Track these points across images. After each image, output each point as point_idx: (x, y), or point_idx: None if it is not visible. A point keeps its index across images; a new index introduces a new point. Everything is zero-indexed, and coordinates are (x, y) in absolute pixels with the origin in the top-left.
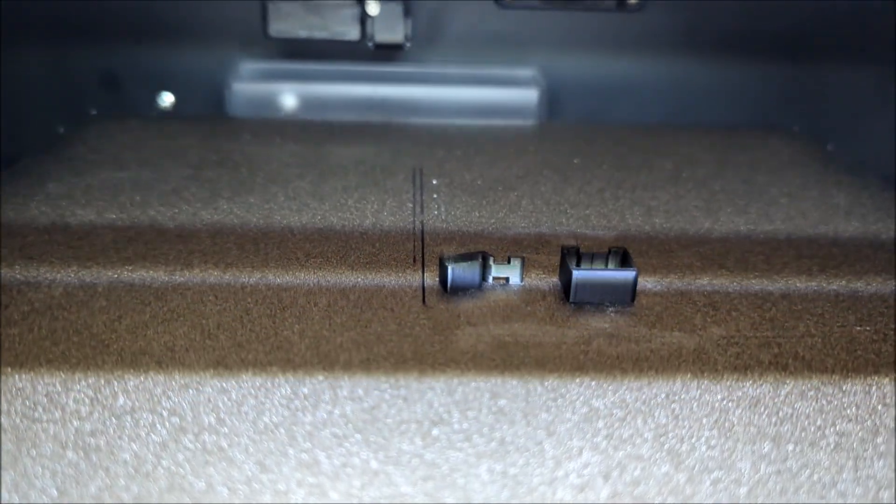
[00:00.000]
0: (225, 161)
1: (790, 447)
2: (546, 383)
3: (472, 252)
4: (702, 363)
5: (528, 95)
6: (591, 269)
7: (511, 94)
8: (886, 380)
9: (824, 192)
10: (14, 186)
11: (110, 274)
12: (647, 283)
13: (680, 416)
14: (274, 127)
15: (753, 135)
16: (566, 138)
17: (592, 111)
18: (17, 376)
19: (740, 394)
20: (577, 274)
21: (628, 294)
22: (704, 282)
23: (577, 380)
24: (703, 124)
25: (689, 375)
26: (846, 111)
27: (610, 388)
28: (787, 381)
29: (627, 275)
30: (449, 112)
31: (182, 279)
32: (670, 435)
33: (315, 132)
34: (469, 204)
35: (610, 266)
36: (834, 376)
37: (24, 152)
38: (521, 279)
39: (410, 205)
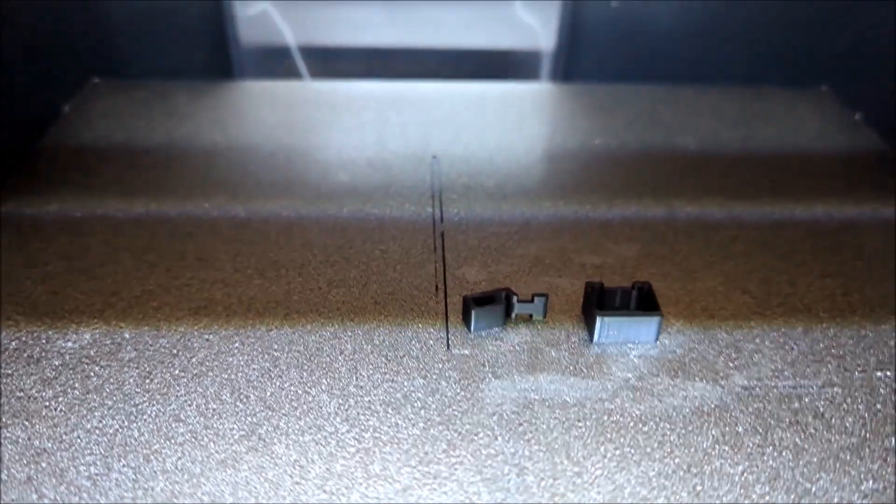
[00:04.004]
0: (234, 152)
1: None
2: (571, 455)
3: (496, 291)
4: (724, 424)
5: None
6: (616, 312)
7: None
8: None
9: (850, 184)
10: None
11: (135, 312)
12: (670, 315)
13: (701, 494)
14: (279, 98)
15: (781, 99)
16: (583, 109)
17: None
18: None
19: (760, 464)
20: (602, 318)
21: (652, 336)
22: (727, 312)
23: (602, 449)
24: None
25: (710, 441)
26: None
27: (633, 459)
28: (806, 448)
29: (651, 320)
30: None
31: (207, 320)
32: None
33: (321, 104)
34: (487, 208)
35: (634, 304)
36: (852, 439)
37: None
38: (545, 316)
39: (430, 209)
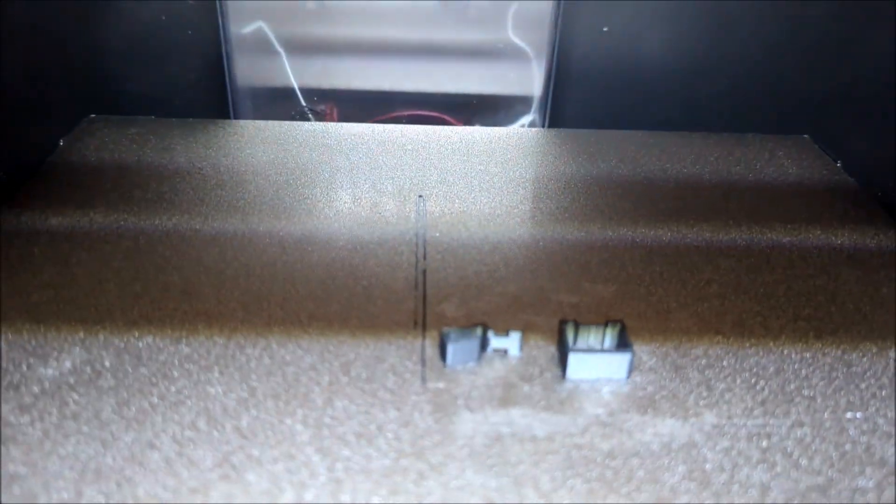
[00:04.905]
0: (225, 188)
1: None
2: (539, 488)
3: (471, 326)
4: (691, 461)
5: None
6: (588, 349)
7: None
8: (871, 482)
9: (826, 230)
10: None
11: (117, 341)
12: (643, 354)
13: None
14: (272, 137)
15: (763, 146)
16: (568, 153)
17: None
18: None
19: (726, 501)
20: (574, 354)
21: (624, 372)
22: (699, 351)
23: (569, 483)
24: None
25: (678, 477)
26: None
27: (600, 494)
28: (773, 486)
29: (623, 356)
30: None
31: (188, 350)
32: None
33: (313, 144)
34: (469, 247)
35: (607, 341)
36: (819, 479)
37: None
38: (520, 351)
39: (413, 247)
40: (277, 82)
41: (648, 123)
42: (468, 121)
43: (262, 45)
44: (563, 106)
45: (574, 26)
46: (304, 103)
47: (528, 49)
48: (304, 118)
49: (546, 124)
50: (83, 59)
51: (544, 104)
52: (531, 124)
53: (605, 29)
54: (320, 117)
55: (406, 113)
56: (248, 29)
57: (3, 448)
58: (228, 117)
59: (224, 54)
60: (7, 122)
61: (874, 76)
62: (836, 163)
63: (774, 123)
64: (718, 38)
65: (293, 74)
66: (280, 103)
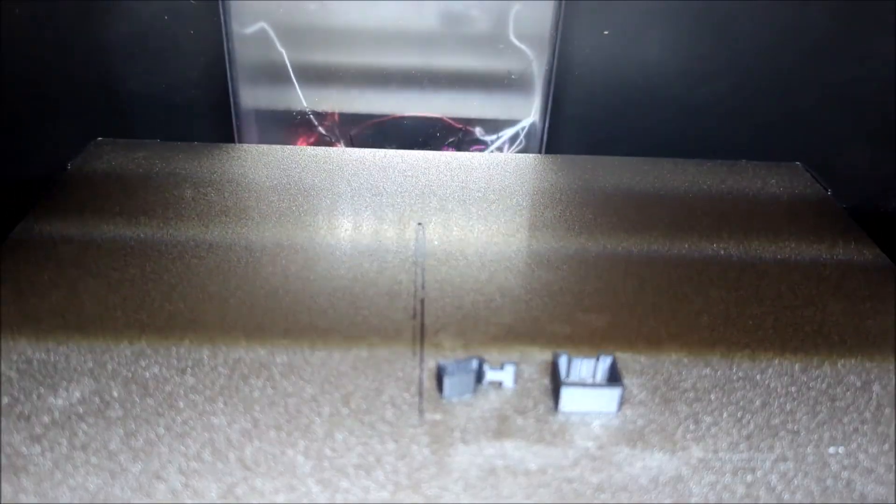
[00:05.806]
0: (229, 214)
1: None
2: None
3: (468, 359)
4: (678, 495)
5: None
6: (580, 382)
7: None
8: None
9: (815, 262)
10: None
11: (124, 371)
12: (633, 387)
13: None
14: (276, 162)
15: (755, 174)
16: (564, 180)
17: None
18: None
19: None
20: (566, 388)
21: (614, 406)
22: (688, 384)
23: None
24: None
25: None
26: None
27: None
28: None
29: (613, 391)
30: None
31: (193, 381)
32: None
33: (315, 169)
34: (467, 276)
35: (599, 374)
36: None
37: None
38: (514, 383)
39: (412, 275)
40: (279, 81)
41: (644, 151)
42: (469, 122)
43: (264, 46)
44: (560, 132)
45: (574, 29)
46: (305, 104)
47: (527, 51)
48: (306, 120)
49: (546, 127)
50: (86, 59)
51: (544, 106)
52: (531, 127)
53: (605, 32)
54: (322, 118)
55: (408, 115)
56: (251, 29)
57: (15, 478)
58: (230, 117)
59: (226, 54)
60: (15, 146)
61: (861, 111)
62: (827, 191)
63: (768, 152)
64: (716, 46)
65: (294, 75)
66: (280, 96)
